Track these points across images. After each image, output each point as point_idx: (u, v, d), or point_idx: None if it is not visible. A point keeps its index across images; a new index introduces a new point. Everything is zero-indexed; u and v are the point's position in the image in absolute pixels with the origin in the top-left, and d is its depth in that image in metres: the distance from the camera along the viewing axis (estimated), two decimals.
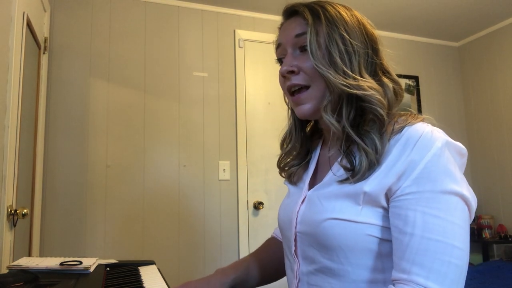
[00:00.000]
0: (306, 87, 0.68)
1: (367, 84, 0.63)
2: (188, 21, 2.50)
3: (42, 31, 2.02)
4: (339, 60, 0.64)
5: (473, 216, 0.59)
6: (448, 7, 2.67)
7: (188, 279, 0.83)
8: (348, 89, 0.62)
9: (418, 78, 3.10)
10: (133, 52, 2.33)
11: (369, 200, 0.60)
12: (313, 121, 0.81)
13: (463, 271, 0.54)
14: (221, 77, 2.53)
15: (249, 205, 2.48)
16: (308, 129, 0.81)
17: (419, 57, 3.16)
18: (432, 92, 3.15)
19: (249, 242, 2.43)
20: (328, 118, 0.65)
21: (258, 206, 2.47)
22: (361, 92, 0.62)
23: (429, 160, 0.56)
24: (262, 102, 2.60)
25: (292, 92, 0.70)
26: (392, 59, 0.72)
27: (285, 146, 0.81)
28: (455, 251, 0.53)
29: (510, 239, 2.75)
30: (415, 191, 0.56)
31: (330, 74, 0.63)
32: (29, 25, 1.64)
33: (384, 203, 0.59)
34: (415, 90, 3.06)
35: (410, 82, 3.05)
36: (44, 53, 2.05)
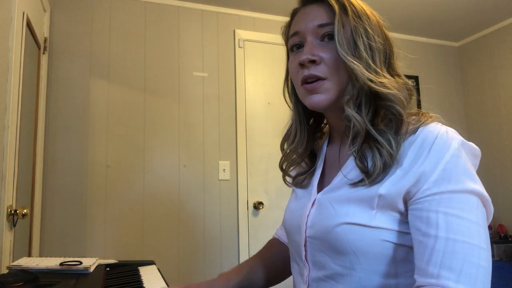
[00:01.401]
0: (323, 80, 0.64)
1: (391, 84, 0.62)
2: (188, 21, 2.49)
3: (42, 31, 2.02)
4: (365, 53, 0.62)
5: (491, 217, 0.57)
6: (448, 7, 2.67)
7: (188, 279, 0.83)
8: (374, 85, 0.60)
9: (418, 78, 3.10)
10: (133, 52, 2.33)
11: (384, 204, 0.58)
12: (312, 119, 0.78)
13: (490, 273, 0.52)
14: (221, 77, 2.53)
15: (249, 205, 2.48)
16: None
17: (419, 57, 3.16)
18: (432, 92, 3.15)
19: (249, 242, 2.43)
20: (352, 113, 0.62)
21: (258, 206, 2.47)
22: (386, 90, 0.60)
23: (448, 161, 0.55)
24: (262, 102, 2.60)
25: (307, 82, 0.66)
26: (398, 61, 0.71)
27: (286, 146, 0.77)
28: (482, 252, 0.52)
29: (510, 239, 2.75)
30: (436, 193, 0.54)
31: (357, 66, 0.60)
32: (29, 25, 1.64)
33: (401, 207, 0.58)
34: (415, 90, 3.06)
35: (410, 82, 3.04)
36: (44, 53, 2.05)
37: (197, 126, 2.42)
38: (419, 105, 3.03)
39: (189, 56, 2.47)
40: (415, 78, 3.08)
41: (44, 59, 2.05)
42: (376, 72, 0.62)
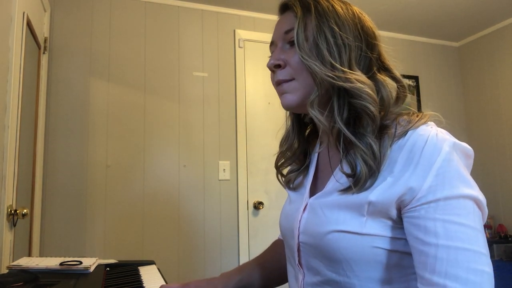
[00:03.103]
0: (290, 81, 0.66)
1: (354, 77, 0.60)
2: (188, 21, 2.49)
3: (42, 31, 2.02)
4: (327, 52, 0.61)
5: (485, 219, 0.57)
6: (448, 7, 2.67)
7: (188, 279, 0.83)
8: (334, 81, 0.60)
9: (418, 78, 3.10)
10: (133, 52, 2.33)
11: (375, 210, 0.57)
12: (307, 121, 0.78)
13: (493, 278, 0.52)
14: (221, 77, 2.53)
15: (249, 205, 2.48)
16: (308, 130, 0.79)
17: (419, 57, 3.16)
18: (432, 92, 3.15)
19: (249, 242, 2.43)
20: (315, 113, 0.63)
21: (258, 206, 2.47)
22: (348, 84, 0.59)
23: (439, 167, 0.54)
24: (262, 102, 2.60)
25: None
26: (392, 58, 0.70)
27: (283, 145, 0.78)
28: (483, 258, 0.52)
29: (510, 239, 2.75)
30: (431, 200, 0.53)
31: (316, 65, 0.61)
32: (29, 25, 1.64)
33: (393, 214, 0.57)
34: (415, 90, 3.07)
35: (410, 82, 3.05)
36: (44, 53, 2.05)
37: (197, 126, 2.42)
38: (419, 105, 3.03)
39: (189, 56, 2.47)
40: (415, 78, 3.08)
41: (44, 59, 2.05)
42: (342, 70, 0.61)
